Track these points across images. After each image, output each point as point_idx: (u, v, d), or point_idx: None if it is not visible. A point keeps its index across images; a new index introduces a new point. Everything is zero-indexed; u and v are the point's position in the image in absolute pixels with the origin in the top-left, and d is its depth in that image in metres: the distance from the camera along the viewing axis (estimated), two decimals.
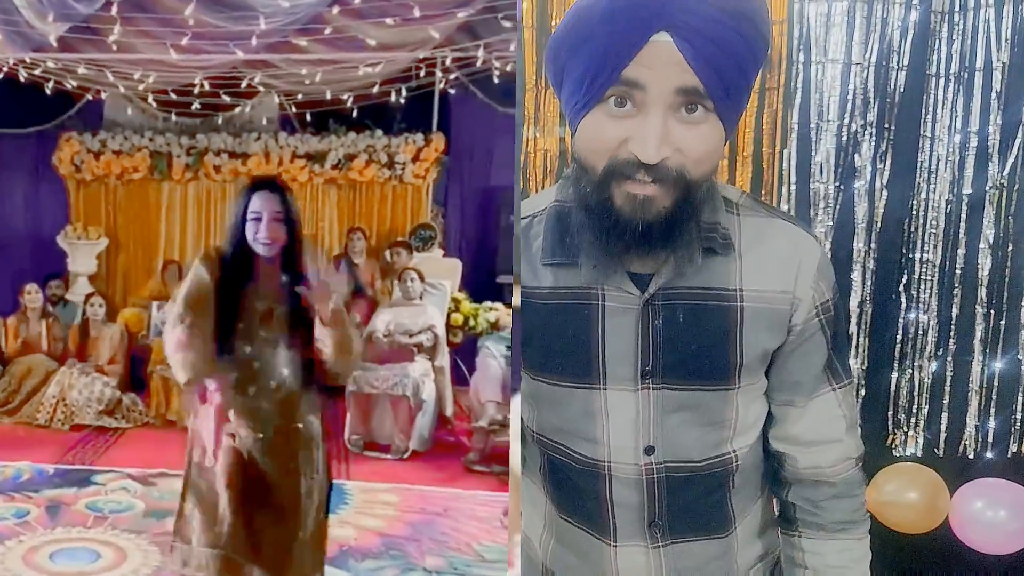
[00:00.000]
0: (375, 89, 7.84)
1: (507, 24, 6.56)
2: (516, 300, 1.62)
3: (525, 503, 1.82)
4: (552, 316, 1.58)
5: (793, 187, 3.77)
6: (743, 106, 1.50)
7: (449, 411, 6.94)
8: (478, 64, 7.49)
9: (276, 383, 3.02)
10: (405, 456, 6.33)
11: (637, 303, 1.52)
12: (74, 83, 7.88)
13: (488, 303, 7.57)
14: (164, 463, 5.75)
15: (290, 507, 3.08)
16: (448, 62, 7.58)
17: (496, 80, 7.87)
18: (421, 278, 6.99)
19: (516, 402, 1.64)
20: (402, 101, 8.06)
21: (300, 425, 3.08)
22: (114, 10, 5.98)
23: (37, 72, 7.56)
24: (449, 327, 7.28)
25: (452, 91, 8.27)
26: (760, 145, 3.75)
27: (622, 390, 1.56)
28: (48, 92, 7.94)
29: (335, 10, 6.22)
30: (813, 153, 3.76)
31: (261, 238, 2.92)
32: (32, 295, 7.41)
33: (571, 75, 1.44)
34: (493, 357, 6.34)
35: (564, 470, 1.68)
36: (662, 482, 1.60)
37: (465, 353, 7.23)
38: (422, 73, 7.70)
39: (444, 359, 6.94)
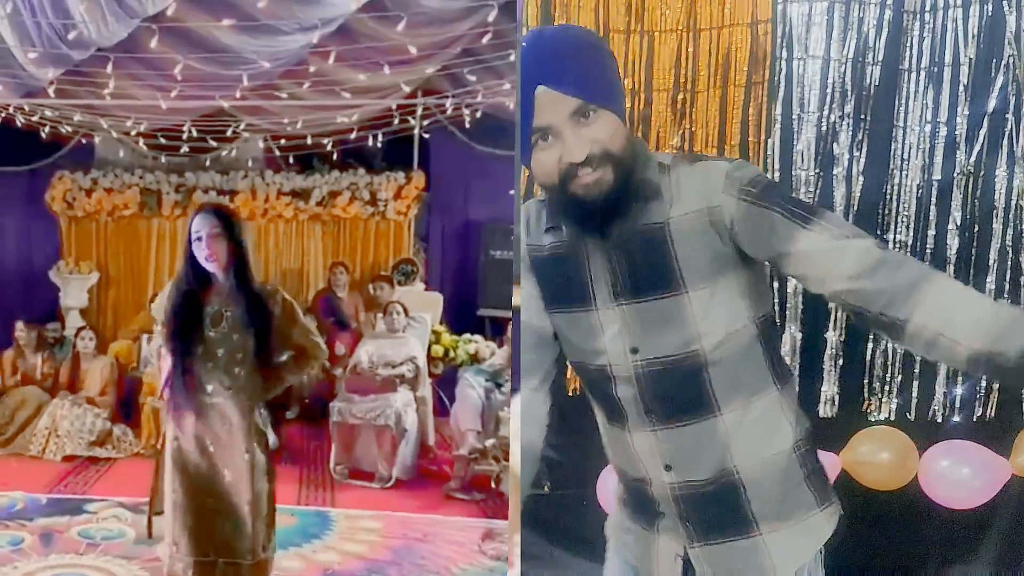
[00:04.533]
0: (352, 135, 8.09)
1: (471, 77, 6.76)
2: (516, 300, 2.17)
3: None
4: (555, 264, 2.12)
5: (777, 174, 4.00)
6: (620, 93, 2.03)
7: (431, 440, 7.07)
8: (449, 111, 7.71)
9: (222, 380, 3.40)
10: (388, 484, 6.41)
11: (604, 245, 2.02)
12: (69, 128, 8.08)
13: (468, 335, 7.76)
14: None
15: (229, 488, 3.44)
16: (421, 109, 7.80)
17: (468, 124, 8.12)
18: (406, 312, 7.15)
19: (516, 402, 2.08)
20: (379, 145, 8.27)
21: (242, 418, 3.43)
22: (110, 67, 6.13)
23: (35, 119, 7.74)
24: (430, 359, 7.44)
25: (426, 135, 8.50)
26: (746, 135, 4.01)
27: (608, 309, 2.06)
28: (44, 136, 8.16)
29: (312, 67, 6.41)
30: (795, 142, 4.00)
31: (204, 255, 3.31)
32: (22, 332, 7.52)
33: (523, 146, 2.00)
34: (472, 387, 6.46)
35: (589, 381, 2.19)
36: (648, 376, 2.06)
37: (446, 384, 7.34)
38: (395, 121, 7.91)
39: (426, 390, 7.08)
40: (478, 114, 7.91)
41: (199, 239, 3.31)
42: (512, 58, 6.34)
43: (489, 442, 6.08)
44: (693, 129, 4.08)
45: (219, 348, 3.38)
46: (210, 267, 3.34)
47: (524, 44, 1.97)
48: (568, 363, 2.27)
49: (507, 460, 5.82)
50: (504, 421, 5.98)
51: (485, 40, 6.12)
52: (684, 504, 2.11)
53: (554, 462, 4.00)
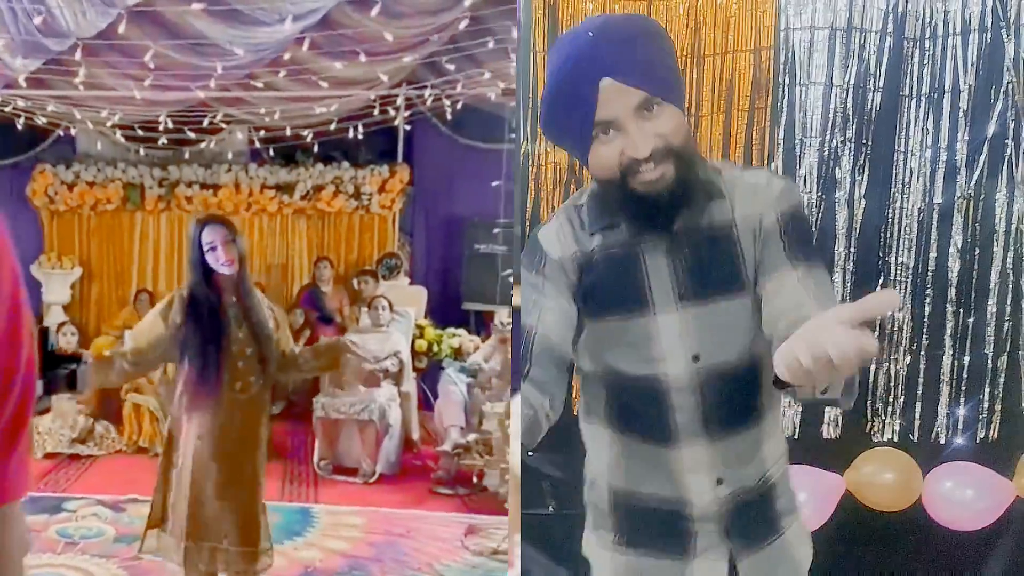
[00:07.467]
0: (332, 126, 8.04)
1: (450, 67, 6.72)
2: (516, 300, 2.05)
3: (593, 448, 2.20)
4: (605, 268, 2.00)
5: None
6: (681, 85, 1.99)
7: (415, 435, 7.05)
8: (429, 103, 7.67)
9: (246, 375, 3.65)
10: (372, 480, 6.41)
11: (666, 244, 1.96)
12: (44, 120, 8.01)
13: (451, 329, 7.74)
14: (135, 489, 5.78)
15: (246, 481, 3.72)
16: (401, 100, 7.76)
17: (450, 115, 8.07)
18: (391, 306, 7.12)
19: (516, 403, 1.91)
20: (360, 137, 8.23)
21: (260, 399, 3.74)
22: (78, 54, 6.07)
23: (8, 109, 7.66)
24: (414, 353, 7.40)
25: (408, 127, 8.46)
26: (750, 159, 4.05)
27: (667, 313, 1.97)
28: (19, 127, 8.08)
29: (286, 55, 6.35)
30: (797, 166, 4.06)
31: (222, 261, 3.53)
32: None
33: (565, 138, 2.00)
34: (454, 384, 6.47)
35: (626, 394, 2.06)
36: (710, 384, 1.98)
37: (431, 379, 7.33)
38: (375, 112, 7.87)
39: (410, 384, 7.05)
40: (459, 105, 7.88)
41: (213, 248, 3.53)
42: (491, 45, 6.31)
43: (471, 437, 6.07)
44: None
45: (248, 347, 3.64)
46: (227, 271, 3.56)
47: (589, 33, 1.89)
48: (584, 378, 2.14)
49: (491, 455, 5.80)
50: (488, 416, 5.96)
51: (463, 26, 6.06)
52: (732, 518, 2.06)
53: (559, 481, 3.99)
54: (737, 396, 2.01)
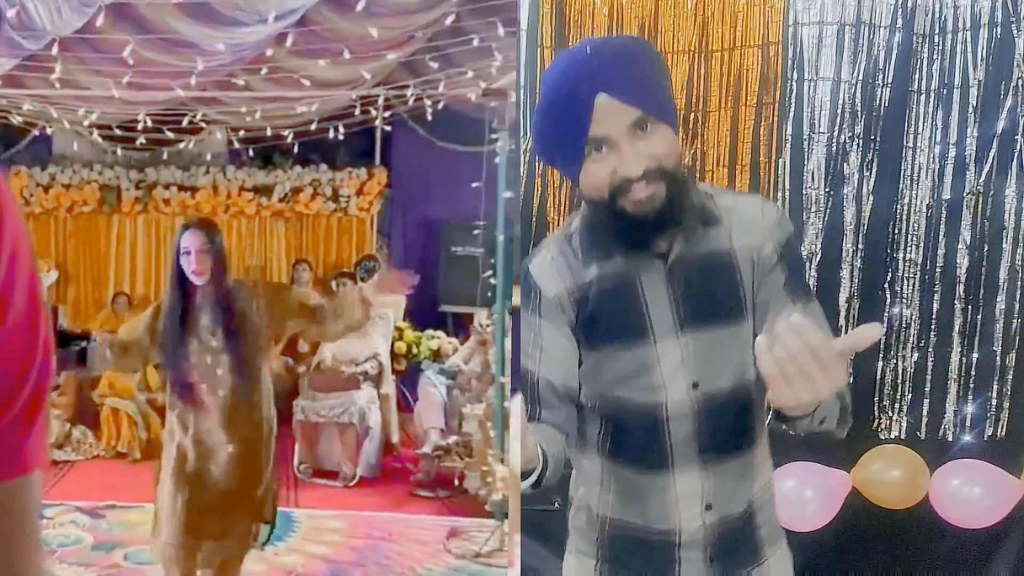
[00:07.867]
0: (313, 126, 7.99)
1: (434, 65, 6.69)
2: (516, 300, 2.08)
3: (582, 477, 2.21)
4: (603, 300, 1.99)
5: (787, 193, 4.10)
6: (675, 108, 1.98)
7: (395, 438, 7.02)
8: (410, 103, 7.64)
9: (225, 382, 3.57)
10: (353, 483, 6.38)
11: (663, 271, 1.95)
12: (19, 119, 7.92)
13: (430, 331, 7.73)
14: (114, 495, 5.77)
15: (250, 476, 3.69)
16: (381, 100, 7.72)
17: (430, 117, 8.04)
18: None
19: (516, 402, 1.98)
20: (340, 138, 8.20)
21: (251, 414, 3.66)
22: (55, 49, 5.98)
23: None
24: (393, 356, 7.40)
25: (388, 128, 8.44)
26: (757, 155, 4.07)
27: (667, 340, 1.97)
28: None
29: (269, 51, 6.29)
30: (805, 162, 4.08)
31: (192, 270, 3.49)
32: None
33: (556, 154, 1.97)
34: (433, 386, 6.45)
35: (623, 422, 2.05)
36: (706, 412, 1.99)
37: (411, 381, 7.31)
38: (356, 112, 7.83)
39: (389, 387, 7.04)
40: (439, 106, 7.85)
41: (187, 253, 3.49)
42: (475, 44, 6.26)
43: (451, 439, 6.05)
44: (704, 149, 4.11)
45: (222, 354, 3.57)
46: (197, 280, 3.52)
47: (587, 50, 1.88)
48: (591, 405, 2.10)
49: (471, 457, 5.77)
50: (467, 418, 5.94)
51: (449, 22, 6.01)
52: (716, 544, 2.07)
53: (566, 478, 3.96)
54: (732, 422, 2.02)
